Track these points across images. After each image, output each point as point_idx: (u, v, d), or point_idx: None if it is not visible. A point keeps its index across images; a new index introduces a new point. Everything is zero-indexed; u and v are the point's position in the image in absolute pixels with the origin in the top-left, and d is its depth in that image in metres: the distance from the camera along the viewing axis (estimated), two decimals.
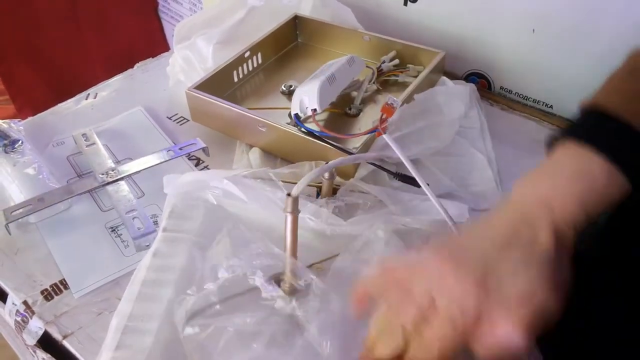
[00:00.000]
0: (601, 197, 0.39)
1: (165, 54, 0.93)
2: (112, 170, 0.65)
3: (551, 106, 0.80)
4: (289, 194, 0.46)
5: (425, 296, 0.37)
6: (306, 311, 0.45)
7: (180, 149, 0.68)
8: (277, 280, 0.47)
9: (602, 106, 0.41)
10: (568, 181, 0.39)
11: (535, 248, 0.37)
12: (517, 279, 0.36)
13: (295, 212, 0.46)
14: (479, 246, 0.37)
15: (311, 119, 0.66)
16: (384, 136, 0.57)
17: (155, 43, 1.47)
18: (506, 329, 0.35)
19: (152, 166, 0.66)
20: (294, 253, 0.47)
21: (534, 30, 0.74)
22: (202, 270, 0.48)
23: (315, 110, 0.65)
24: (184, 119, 0.78)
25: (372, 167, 0.62)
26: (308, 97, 0.66)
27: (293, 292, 0.46)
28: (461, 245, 0.39)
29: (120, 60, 0.96)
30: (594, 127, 0.41)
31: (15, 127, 0.71)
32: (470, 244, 0.38)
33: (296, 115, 0.66)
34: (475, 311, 0.35)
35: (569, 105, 0.78)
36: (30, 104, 1.26)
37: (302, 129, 0.64)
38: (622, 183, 0.39)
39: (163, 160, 0.67)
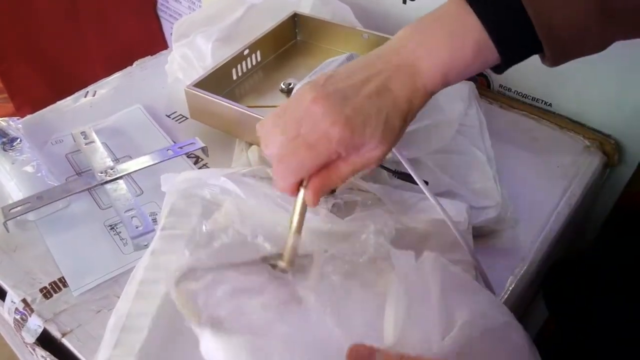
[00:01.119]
0: (465, 67, 0.43)
1: (164, 51, 0.93)
2: (111, 169, 0.65)
3: (550, 104, 0.80)
4: None
5: (294, 124, 0.42)
6: (305, 280, 0.44)
7: (180, 148, 0.68)
8: (278, 256, 0.47)
9: None
10: (442, 46, 0.42)
11: (394, 100, 0.43)
12: (374, 123, 0.42)
13: None
14: (348, 87, 0.43)
15: None
16: None
17: (154, 41, 1.47)
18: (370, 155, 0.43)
19: (151, 165, 0.66)
20: (299, 229, 0.47)
21: None
22: (199, 235, 0.48)
23: None
24: (183, 116, 0.78)
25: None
26: None
27: (293, 263, 0.46)
28: (334, 82, 0.43)
29: (120, 58, 0.96)
30: None
31: (14, 125, 0.71)
32: (341, 86, 0.43)
33: None
34: (337, 146, 0.41)
35: (568, 103, 0.78)
36: (29, 102, 1.26)
37: None
38: (491, 56, 0.42)
39: (162, 159, 0.67)
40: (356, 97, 0.42)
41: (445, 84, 0.44)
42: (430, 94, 0.44)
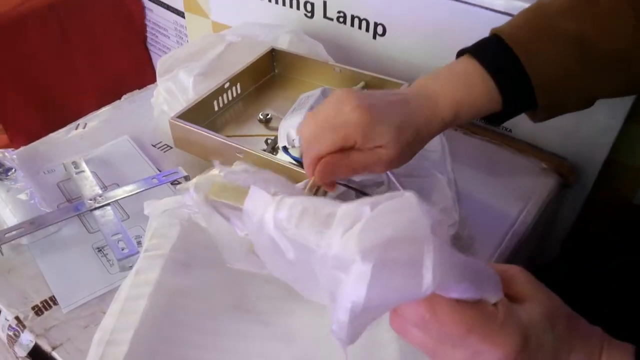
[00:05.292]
0: (474, 102, 0.53)
1: (152, 85, 0.98)
2: (100, 196, 0.70)
3: (510, 130, 0.86)
4: None
5: (324, 112, 0.51)
6: None
7: (164, 177, 0.73)
8: None
9: (500, 32, 0.53)
10: (452, 84, 0.53)
11: (411, 113, 0.51)
12: (388, 123, 0.49)
13: None
14: (376, 93, 0.53)
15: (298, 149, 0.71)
16: None
17: (144, 74, 1.52)
18: None
19: (137, 193, 0.71)
20: None
21: None
22: None
23: None
24: (168, 146, 0.83)
25: (343, 188, 0.67)
26: (294, 130, 0.71)
27: None
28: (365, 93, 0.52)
29: (111, 90, 1.01)
30: (484, 45, 0.54)
31: (9, 156, 0.76)
32: (370, 93, 0.52)
33: (284, 147, 0.71)
34: (354, 129, 0.49)
35: (527, 129, 0.84)
36: (22, 133, 1.30)
37: (293, 159, 0.69)
38: (494, 94, 0.52)
39: (147, 187, 0.71)
40: (380, 99, 0.51)
41: (457, 116, 0.53)
42: (444, 123, 0.53)
